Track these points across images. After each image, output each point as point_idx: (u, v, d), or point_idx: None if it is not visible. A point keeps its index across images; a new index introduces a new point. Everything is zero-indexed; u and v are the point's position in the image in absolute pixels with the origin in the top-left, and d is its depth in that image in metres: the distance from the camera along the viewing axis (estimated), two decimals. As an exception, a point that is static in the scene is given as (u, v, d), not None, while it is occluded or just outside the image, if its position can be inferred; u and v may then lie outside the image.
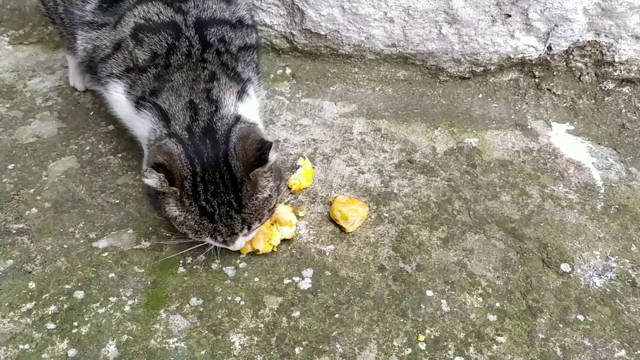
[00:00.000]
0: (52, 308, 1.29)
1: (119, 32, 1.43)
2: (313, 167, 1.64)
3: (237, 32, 1.48)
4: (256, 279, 1.37)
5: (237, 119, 1.30)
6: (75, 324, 1.26)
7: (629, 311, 1.33)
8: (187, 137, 1.25)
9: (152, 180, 1.18)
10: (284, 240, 1.44)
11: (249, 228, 1.28)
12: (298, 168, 1.60)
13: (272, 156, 1.22)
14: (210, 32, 1.40)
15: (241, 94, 1.37)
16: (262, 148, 1.20)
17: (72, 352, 1.21)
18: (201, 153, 1.22)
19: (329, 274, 1.39)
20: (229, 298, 1.33)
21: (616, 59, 1.87)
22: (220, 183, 1.22)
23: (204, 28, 1.39)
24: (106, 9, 1.51)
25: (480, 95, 1.95)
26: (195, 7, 1.42)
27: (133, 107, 1.38)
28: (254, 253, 1.41)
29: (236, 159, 1.23)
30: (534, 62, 1.92)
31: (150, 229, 1.47)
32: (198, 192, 1.22)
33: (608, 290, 1.38)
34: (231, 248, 1.32)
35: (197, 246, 1.33)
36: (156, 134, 1.30)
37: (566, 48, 1.87)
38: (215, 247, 1.34)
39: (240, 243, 1.31)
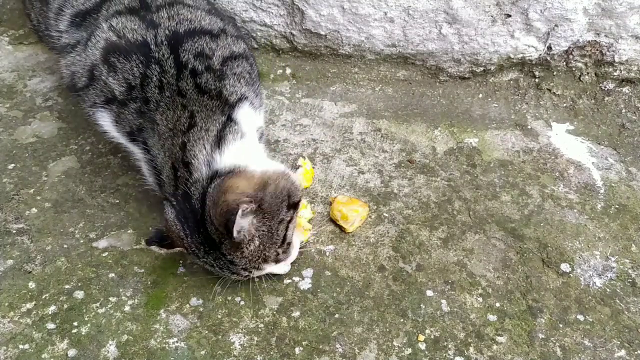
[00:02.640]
0: (52, 308, 1.29)
1: (89, 54, 1.33)
2: (313, 167, 1.64)
3: (221, 41, 1.35)
4: (256, 279, 1.37)
5: (212, 177, 1.21)
6: (75, 324, 1.26)
7: (629, 311, 1.33)
8: (174, 202, 1.23)
9: (154, 249, 1.24)
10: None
11: (266, 262, 1.23)
12: (298, 168, 1.60)
13: (244, 222, 1.13)
14: (184, 48, 1.27)
15: (222, 132, 1.24)
16: (228, 223, 1.11)
17: (72, 352, 1.21)
18: (187, 217, 1.20)
19: (329, 274, 1.39)
20: (229, 298, 1.33)
21: (616, 59, 1.87)
22: (203, 247, 1.20)
23: (179, 45, 1.27)
24: (79, 23, 1.41)
25: (480, 95, 1.95)
26: (169, 19, 1.30)
27: (127, 139, 1.33)
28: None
29: (211, 223, 1.16)
30: (534, 62, 1.92)
31: (150, 229, 1.47)
32: (195, 252, 1.21)
33: (608, 290, 1.38)
34: (282, 272, 1.31)
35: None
36: (157, 192, 1.33)
37: (566, 48, 1.87)
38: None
39: (284, 268, 1.29)
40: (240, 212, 1.10)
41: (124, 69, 1.27)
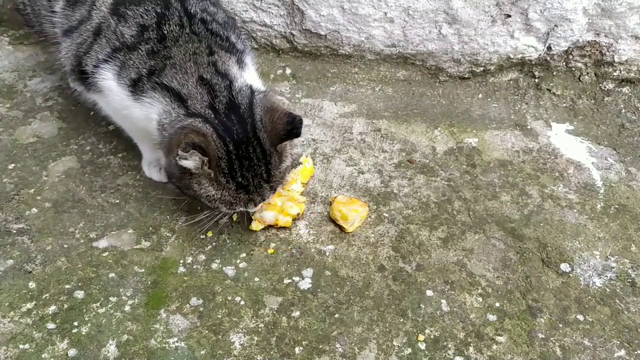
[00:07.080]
0: (52, 308, 1.29)
1: (94, 16, 1.37)
2: (314, 167, 1.64)
3: (219, 9, 1.49)
4: (256, 279, 1.37)
5: (252, 89, 1.30)
6: (76, 323, 1.26)
7: (629, 311, 1.33)
8: (212, 115, 1.24)
9: (192, 162, 1.18)
10: (283, 240, 1.45)
11: (274, 192, 1.34)
12: (299, 164, 1.60)
13: (303, 130, 1.26)
14: (190, 3, 1.38)
15: (241, 63, 1.37)
16: (294, 122, 1.23)
17: (72, 352, 1.21)
18: (230, 130, 1.23)
19: (329, 274, 1.39)
20: (229, 298, 1.33)
21: (616, 59, 1.87)
22: (253, 156, 1.25)
23: (185, 1, 1.38)
24: (74, 2, 1.45)
25: (480, 95, 1.95)
26: None
27: (128, 93, 1.33)
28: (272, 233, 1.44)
29: (264, 131, 1.25)
30: (533, 62, 1.92)
31: (151, 229, 1.47)
32: (234, 170, 1.24)
33: (608, 290, 1.38)
34: (252, 210, 1.37)
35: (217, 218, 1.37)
36: (172, 116, 1.27)
37: (566, 48, 1.88)
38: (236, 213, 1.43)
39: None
40: (301, 120, 1.23)
41: (136, 14, 1.33)
